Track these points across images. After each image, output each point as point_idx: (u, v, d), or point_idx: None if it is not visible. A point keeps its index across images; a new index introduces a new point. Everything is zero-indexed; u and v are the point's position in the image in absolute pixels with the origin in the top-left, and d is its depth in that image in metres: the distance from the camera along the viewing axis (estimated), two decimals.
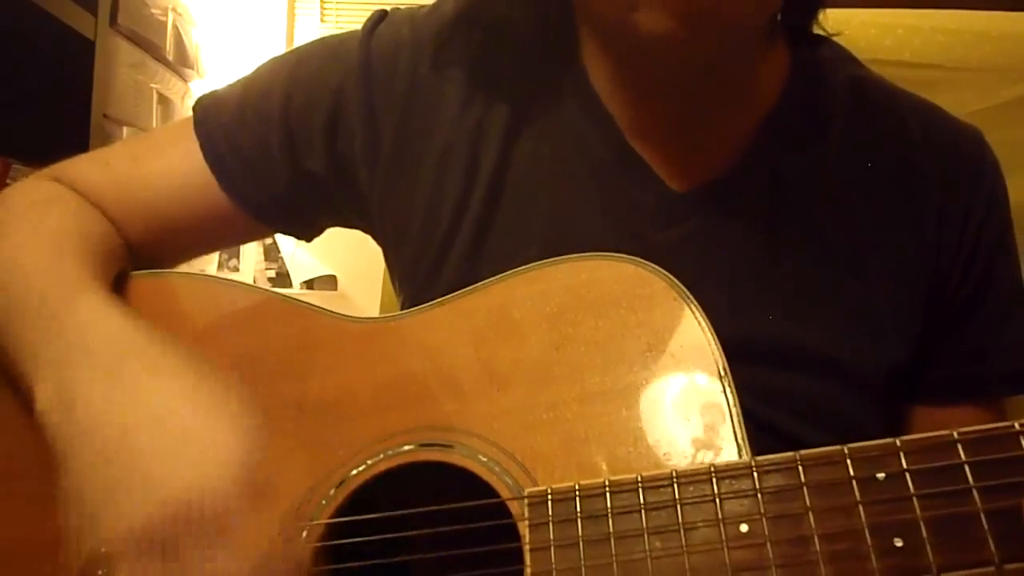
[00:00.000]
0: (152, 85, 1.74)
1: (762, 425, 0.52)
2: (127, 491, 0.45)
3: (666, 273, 0.51)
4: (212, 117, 0.66)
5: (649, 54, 0.54)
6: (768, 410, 0.54)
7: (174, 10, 1.83)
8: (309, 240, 0.72)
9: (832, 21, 0.61)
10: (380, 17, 0.65)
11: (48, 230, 0.59)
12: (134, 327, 0.52)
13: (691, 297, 0.50)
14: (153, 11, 1.71)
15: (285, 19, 2.43)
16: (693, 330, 0.49)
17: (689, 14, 0.47)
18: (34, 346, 0.52)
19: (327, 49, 0.65)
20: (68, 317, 0.52)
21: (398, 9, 0.66)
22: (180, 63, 1.89)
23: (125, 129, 1.58)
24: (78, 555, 0.49)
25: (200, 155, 0.65)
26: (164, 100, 1.80)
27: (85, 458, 0.47)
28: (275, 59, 0.68)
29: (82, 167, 0.66)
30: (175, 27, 1.83)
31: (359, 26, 0.66)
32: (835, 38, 0.62)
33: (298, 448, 0.54)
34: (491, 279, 0.54)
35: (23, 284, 0.55)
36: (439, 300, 0.56)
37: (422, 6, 0.65)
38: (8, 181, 1.21)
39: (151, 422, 0.47)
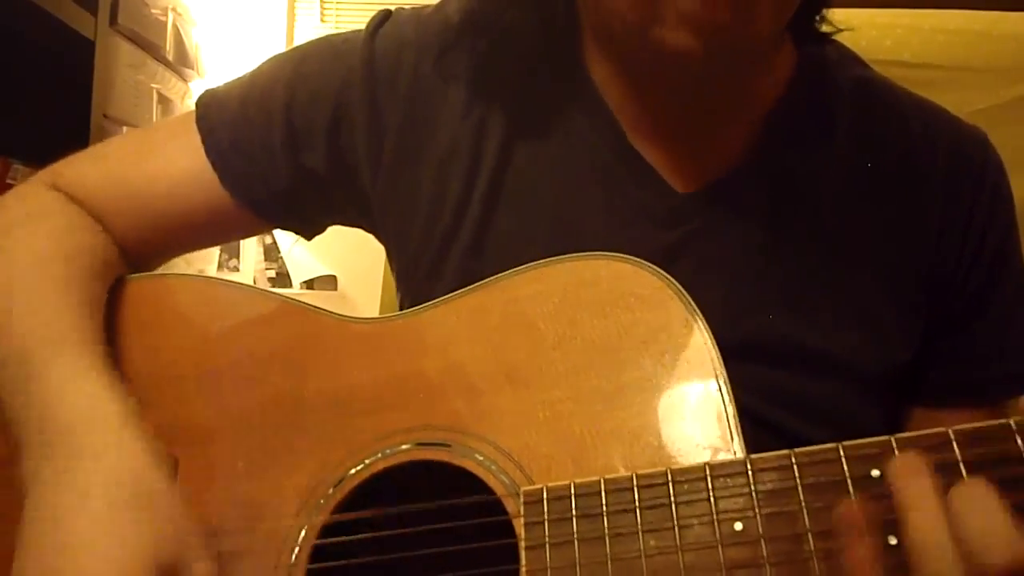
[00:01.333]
0: (152, 85, 1.74)
1: (763, 423, 0.52)
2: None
3: (664, 273, 0.51)
4: (214, 113, 0.66)
5: (661, 65, 0.54)
6: (769, 409, 0.54)
7: (174, 10, 1.83)
8: (310, 238, 0.72)
9: (831, 19, 0.61)
10: (384, 17, 0.65)
11: (32, 253, 0.59)
12: (92, 407, 0.51)
13: (688, 297, 0.50)
14: (153, 11, 1.71)
15: (285, 19, 2.44)
16: (690, 330, 0.49)
17: (709, 31, 0.47)
18: (12, 405, 0.52)
19: (331, 48, 0.65)
20: (38, 388, 0.51)
21: (402, 9, 0.66)
22: (180, 63, 1.89)
23: (125, 129, 1.58)
24: None
25: (202, 151, 0.65)
26: (164, 100, 1.80)
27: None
28: (278, 56, 0.68)
29: (81, 166, 0.66)
30: (175, 27, 1.83)
31: (359, 26, 0.66)
32: (835, 37, 0.62)
33: (297, 447, 0.54)
34: (490, 278, 0.55)
35: (5, 328, 0.55)
36: (438, 300, 0.56)
37: (425, 6, 0.66)
38: (8, 181, 1.21)
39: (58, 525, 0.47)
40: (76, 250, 0.60)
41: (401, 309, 0.64)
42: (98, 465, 0.48)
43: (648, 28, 0.48)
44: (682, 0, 0.47)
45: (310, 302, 0.60)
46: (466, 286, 0.55)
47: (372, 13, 0.66)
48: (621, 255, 0.52)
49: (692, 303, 0.49)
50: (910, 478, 0.38)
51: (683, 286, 0.50)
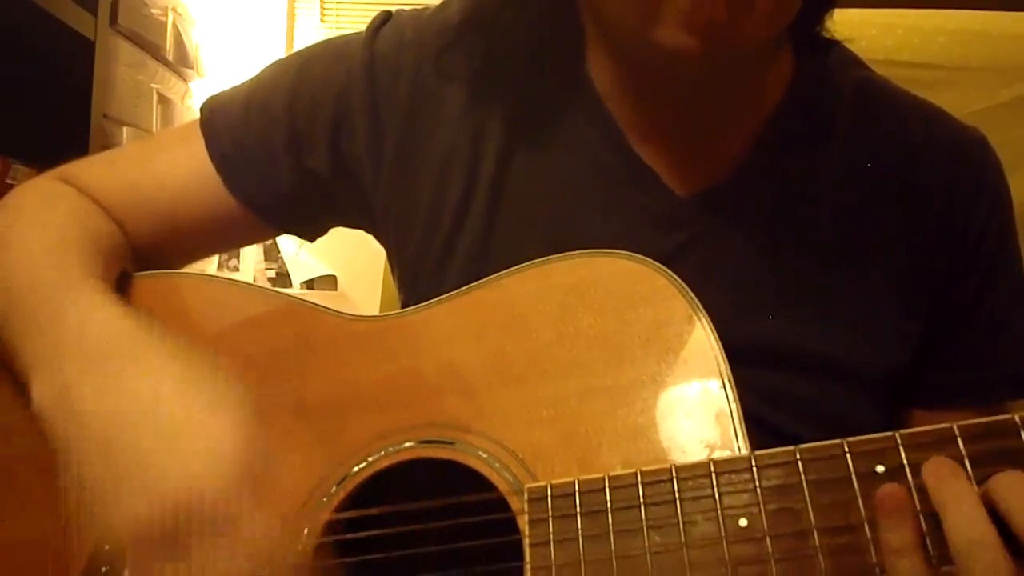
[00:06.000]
0: (152, 85, 1.74)
1: (763, 427, 0.52)
2: (127, 486, 0.46)
3: (667, 270, 0.51)
4: (218, 118, 0.66)
5: (662, 66, 0.54)
6: (770, 411, 0.54)
7: (174, 10, 1.82)
8: (313, 240, 0.73)
9: (831, 21, 0.61)
10: (384, 18, 0.65)
11: (54, 226, 0.59)
12: (127, 321, 0.52)
13: (691, 294, 0.50)
14: (153, 11, 1.71)
15: (285, 19, 2.43)
16: (693, 326, 0.49)
17: (707, 30, 0.47)
18: (32, 340, 0.52)
19: (332, 50, 0.66)
20: (64, 311, 0.52)
21: (402, 11, 0.66)
22: (180, 63, 1.88)
23: (125, 129, 1.57)
24: (80, 551, 0.49)
25: (206, 155, 0.65)
26: (164, 100, 1.79)
27: (83, 455, 0.48)
28: (281, 60, 0.68)
29: (89, 168, 0.67)
30: (175, 27, 1.83)
31: (359, 27, 0.66)
32: (834, 36, 0.62)
33: (300, 446, 0.54)
34: (492, 276, 0.55)
35: (26, 282, 0.55)
36: (439, 298, 0.56)
37: (426, 7, 0.66)
38: (8, 181, 1.21)
39: (143, 417, 0.47)
40: (91, 229, 0.61)
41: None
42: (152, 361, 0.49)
43: (646, 28, 0.48)
44: None
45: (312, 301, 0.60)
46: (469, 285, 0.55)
47: (372, 14, 0.66)
48: (624, 252, 0.52)
49: (696, 300, 0.49)
50: (945, 479, 0.39)
51: None
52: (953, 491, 0.38)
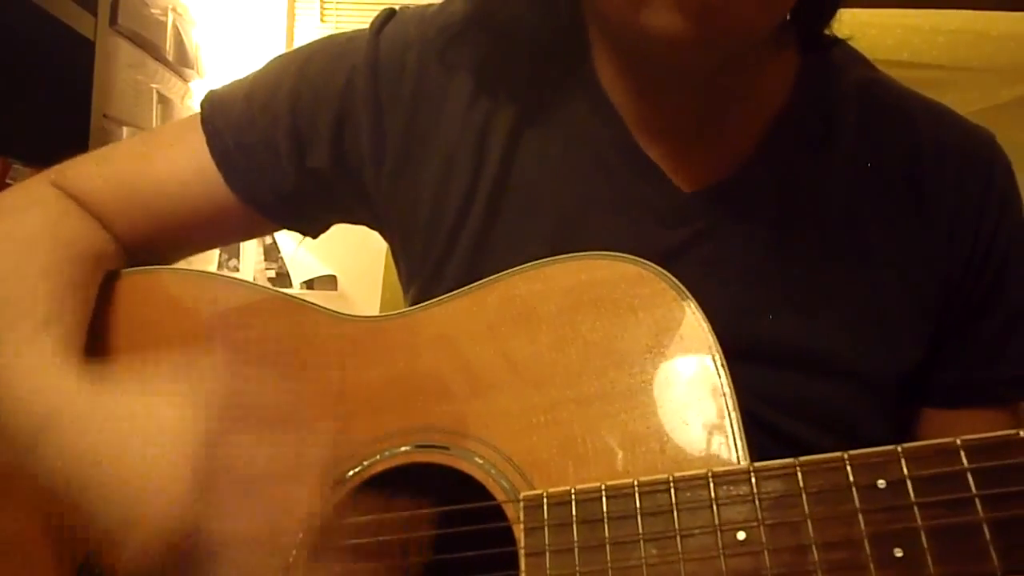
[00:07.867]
0: (152, 85, 1.74)
1: (765, 427, 0.51)
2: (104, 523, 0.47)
3: (666, 273, 0.50)
4: (219, 114, 0.66)
5: (658, 55, 0.53)
6: (772, 412, 0.53)
7: (174, 10, 1.82)
8: (315, 236, 0.72)
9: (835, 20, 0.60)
10: (388, 16, 0.65)
11: (19, 238, 0.59)
12: (57, 380, 0.52)
13: (691, 298, 0.49)
14: (153, 11, 1.70)
15: (285, 19, 2.43)
16: (693, 332, 0.48)
17: (698, 11, 0.47)
18: None
19: (335, 47, 0.65)
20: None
21: (406, 8, 0.66)
22: (180, 63, 1.88)
23: (125, 129, 1.57)
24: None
25: (207, 151, 0.65)
26: (164, 100, 1.79)
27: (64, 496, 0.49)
28: (283, 56, 0.68)
29: (85, 166, 0.66)
30: (175, 27, 1.82)
31: (359, 26, 0.66)
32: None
33: (295, 448, 0.53)
34: (489, 278, 0.54)
35: None
36: (437, 299, 0.55)
37: (429, 5, 0.65)
38: (8, 181, 1.21)
39: (104, 459, 0.48)
40: (65, 237, 0.60)
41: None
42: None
43: (637, 12, 0.48)
44: None
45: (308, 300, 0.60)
46: (470, 284, 0.55)
47: (373, 13, 0.66)
48: (624, 255, 0.51)
49: (695, 304, 0.49)
50: None
51: (687, 286, 0.50)
52: None
